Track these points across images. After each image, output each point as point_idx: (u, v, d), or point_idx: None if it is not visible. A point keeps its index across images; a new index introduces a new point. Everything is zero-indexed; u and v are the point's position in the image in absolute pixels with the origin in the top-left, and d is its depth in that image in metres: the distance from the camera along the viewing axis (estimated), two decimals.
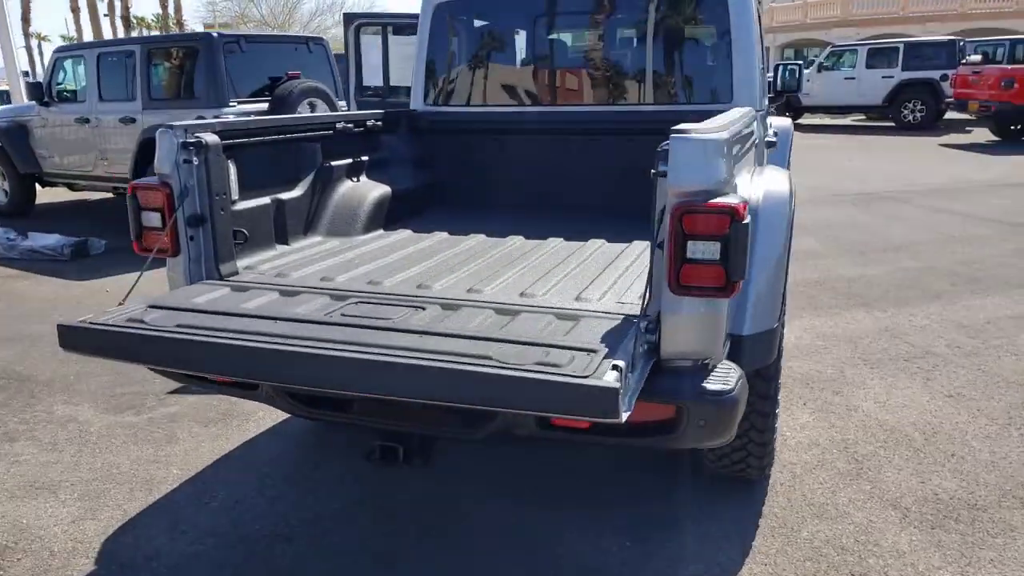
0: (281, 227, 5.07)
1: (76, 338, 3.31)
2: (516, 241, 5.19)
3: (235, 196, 4.52)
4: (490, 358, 2.81)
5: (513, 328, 3.24)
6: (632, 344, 2.87)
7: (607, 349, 2.87)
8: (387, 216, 5.80)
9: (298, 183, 5.30)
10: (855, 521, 4.14)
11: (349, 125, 5.71)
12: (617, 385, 2.47)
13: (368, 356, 2.84)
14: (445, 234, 5.48)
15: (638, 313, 3.02)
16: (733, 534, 4.05)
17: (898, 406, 5.63)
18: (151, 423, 5.72)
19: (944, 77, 24.95)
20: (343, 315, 3.50)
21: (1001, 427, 5.20)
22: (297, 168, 5.33)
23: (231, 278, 4.26)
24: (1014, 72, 21.65)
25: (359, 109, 8.75)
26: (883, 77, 26.08)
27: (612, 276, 4.27)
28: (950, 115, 26.45)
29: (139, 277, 3.93)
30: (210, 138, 4.19)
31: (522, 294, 3.86)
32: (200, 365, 3.26)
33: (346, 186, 5.72)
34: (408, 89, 7.17)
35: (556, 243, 5.13)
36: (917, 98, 25.98)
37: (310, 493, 4.66)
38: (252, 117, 4.60)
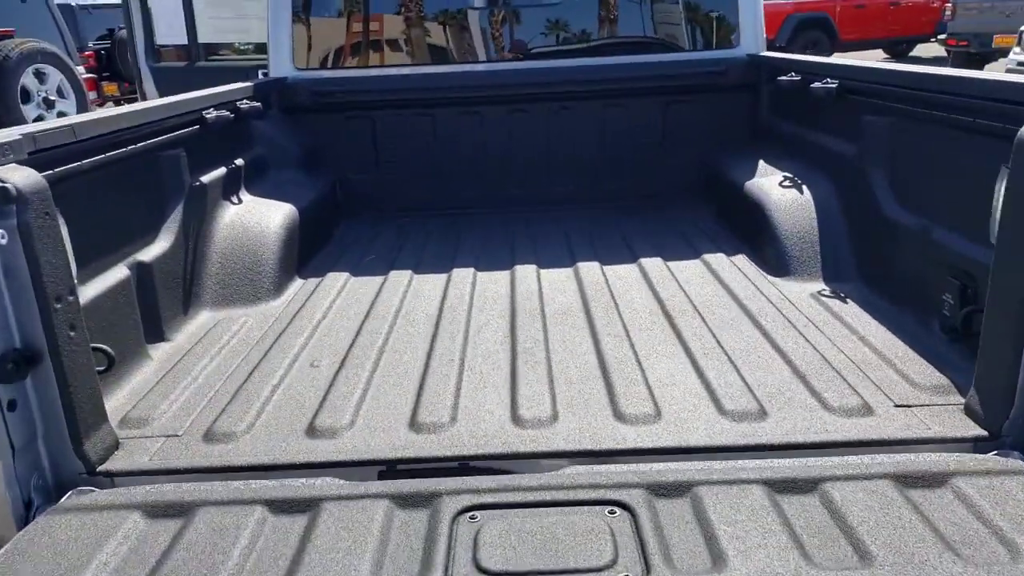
0: (152, 312, 2.79)
1: None
2: (530, 293, 3.33)
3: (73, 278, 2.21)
4: None
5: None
6: None
7: None
8: (299, 254, 3.62)
9: (161, 226, 3.00)
10: None
11: (224, 112, 3.40)
12: None
13: None
14: (406, 276, 3.45)
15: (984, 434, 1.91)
16: None
17: None
18: None
19: None
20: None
21: None
22: (156, 199, 3.01)
23: (119, 472, 2.03)
24: None
25: (154, 81, 6.09)
26: None
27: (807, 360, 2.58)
28: None
29: None
30: (25, 180, 1.89)
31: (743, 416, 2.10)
32: None
33: (230, 215, 3.45)
34: (230, 48, 4.82)
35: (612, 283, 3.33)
36: None
37: None
38: (72, 121, 2.35)
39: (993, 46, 13.72)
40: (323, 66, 4.58)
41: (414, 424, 2.15)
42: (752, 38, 4.42)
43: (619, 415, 2.13)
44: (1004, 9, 13.81)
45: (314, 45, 4.58)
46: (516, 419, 2.14)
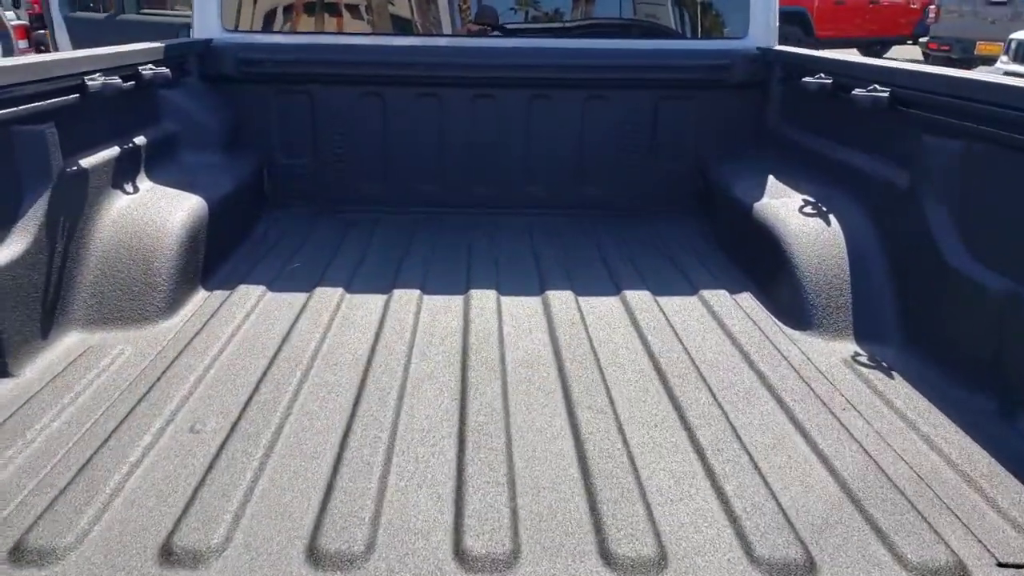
0: None
1: None
2: (487, 332, 2.71)
3: None
4: None
5: None
6: None
7: None
8: (205, 259, 2.93)
9: (15, 222, 2.30)
10: None
11: (114, 79, 2.69)
12: None
13: None
14: (335, 295, 2.81)
15: None
16: None
17: None
18: None
19: None
20: None
21: None
22: (9, 188, 2.31)
23: None
24: None
25: (68, 31, 5.26)
26: None
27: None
28: None
29: None
30: None
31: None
32: None
33: (118, 209, 2.75)
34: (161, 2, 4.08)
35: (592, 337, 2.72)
36: None
37: None
38: None
39: (975, 53, 13.35)
40: (256, 28, 3.85)
41: (313, 552, 1.52)
42: (764, 28, 3.79)
43: (608, 558, 1.51)
44: (988, 15, 13.45)
45: (246, 3, 3.85)
46: (459, 554, 1.51)
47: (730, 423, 1.99)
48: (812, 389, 2.18)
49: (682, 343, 2.45)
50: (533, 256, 3.27)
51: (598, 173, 3.90)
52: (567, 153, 3.89)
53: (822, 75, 3.01)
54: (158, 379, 2.17)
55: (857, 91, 2.65)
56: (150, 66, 3.00)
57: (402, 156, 3.87)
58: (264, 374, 2.21)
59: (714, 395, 2.13)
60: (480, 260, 3.21)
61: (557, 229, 3.67)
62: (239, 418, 1.98)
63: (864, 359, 2.36)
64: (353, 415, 2.01)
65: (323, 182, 3.89)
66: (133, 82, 2.88)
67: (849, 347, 2.46)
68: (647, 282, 2.97)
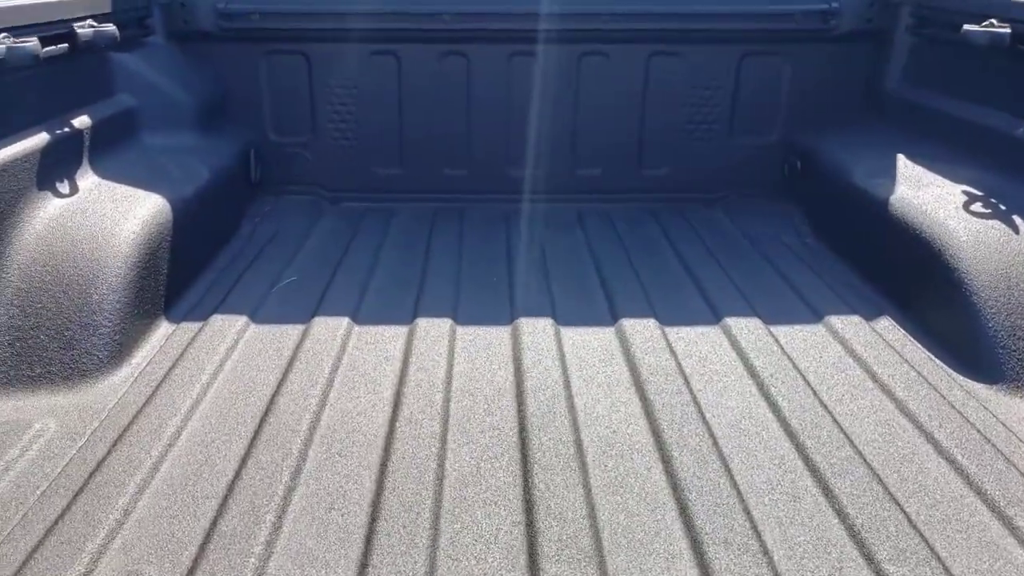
0: None
1: None
2: (551, 396, 2.01)
3: None
4: None
5: None
6: None
7: None
8: (167, 282, 2.22)
9: None
10: None
11: (28, 40, 1.95)
12: None
13: None
14: (339, 327, 2.13)
15: None
16: None
17: None
18: None
19: None
20: None
21: None
22: None
23: None
24: None
25: None
26: None
27: None
28: None
29: None
30: None
31: None
32: None
33: (45, 217, 2.04)
34: None
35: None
36: None
37: None
38: None
39: None
40: None
41: None
42: None
43: None
44: None
45: None
46: None
47: (928, 546, 1.29)
48: (1020, 471, 1.48)
49: (825, 406, 1.74)
50: (592, 261, 2.55)
51: (664, 149, 3.15)
52: (626, 124, 3.12)
53: (993, 22, 2.23)
54: (85, 482, 1.49)
55: None
56: (90, 22, 2.26)
57: (422, 131, 3.12)
58: (235, 478, 1.51)
59: (901, 510, 1.42)
60: (525, 271, 2.49)
61: (614, 221, 2.94)
62: (195, 562, 1.30)
63: None
64: (367, 549, 1.32)
65: (325, 165, 3.15)
66: (65, 45, 2.15)
67: None
68: (750, 300, 2.25)
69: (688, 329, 2.10)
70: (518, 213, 3.05)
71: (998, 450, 1.59)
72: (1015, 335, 1.86)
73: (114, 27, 2.29)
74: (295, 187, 3.15)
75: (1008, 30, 2.19)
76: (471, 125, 3.12)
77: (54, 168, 2.12)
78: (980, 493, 1.47)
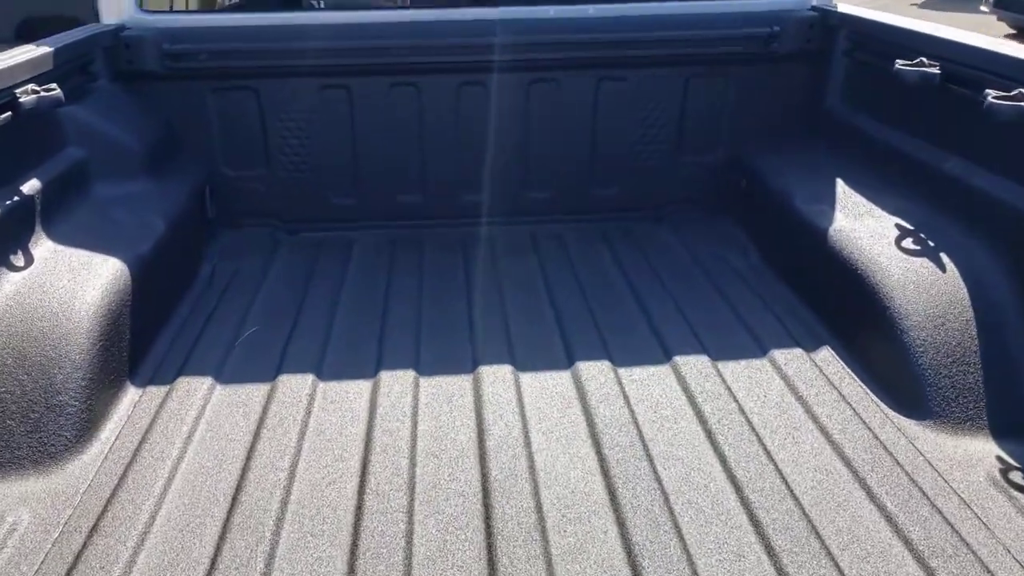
0: None
1: None
2: (513, 453, 2.10)
3: None
4: None
5: None
6: None
7: None
8: (131, 347, 2.25)
9: None
10: None
11: None
12: None
13: None
14: (304, 385, 2.19)
15: None
16: None
17: None
18: None
19: None
20: None
21: None
22: None
23: None
24: None
25: None
26: None
27: None
28: None
29: None
30: None
31: None
32: None
33: (2, 296, 2.05)
34: None
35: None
36: None
37: None
38: None
39: None
40: (181, 8, 3.06)
41: None
42: None
43: None
44: None
45: None
46: None
47: None
48: (943, 515, 1.62)
49: (768, 453, 1.85)
50: (547, 294, 2.65)
51: (612, 170, 3.22)
52: (575, 149, 3.19)
53: (923, 60, 2.32)
54: (69, 572, 1.54)
55: (992, 95, 1.97)
56: (31, 87, 2.24)
57: (375, 160, 3.15)
58: (212, 566, 1.58)
59: (831, 554, 1.55)
60: (483, 311, 2.56)
61: (566, 244, 3.03)
62: None
63: (1012, 465, 1.78)
64: None
65: (280, 196, 3.17)
66: (9, 114, 2.14)
67: (987, 447, 1.88)
68: (698, 335, 2.35)
69: (639, 370, 2.20)
70: (474, 238, 3.11)
71: (924, 494, 1.72)
72: (940, 373, 1.99)
73: (58, 90, 2.27)
74: (251, 220, 3.17)
75: (938, 71, 2.28)
76: (424, 153, 3.15)
77: (6, 240, 2.12)
78: (907, 542, 1.59)
